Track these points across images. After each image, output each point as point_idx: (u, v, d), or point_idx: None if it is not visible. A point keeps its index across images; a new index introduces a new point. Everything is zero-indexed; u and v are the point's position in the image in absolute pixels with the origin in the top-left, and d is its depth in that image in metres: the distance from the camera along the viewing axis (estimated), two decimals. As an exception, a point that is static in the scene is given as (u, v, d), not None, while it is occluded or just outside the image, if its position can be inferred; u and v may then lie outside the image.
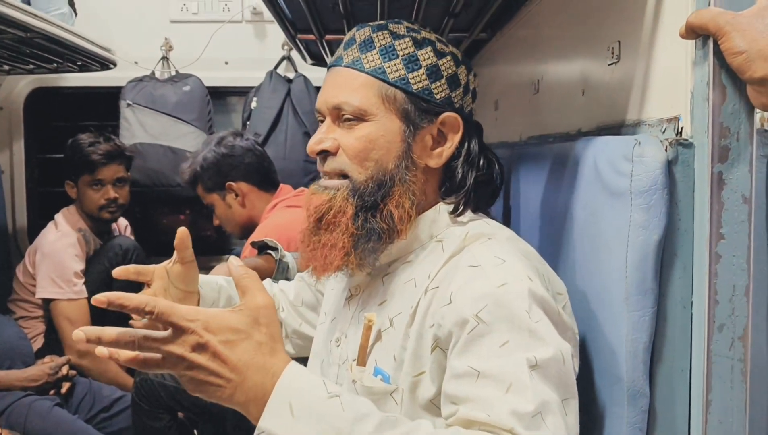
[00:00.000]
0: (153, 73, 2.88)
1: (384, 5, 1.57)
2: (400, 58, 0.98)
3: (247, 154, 2.28)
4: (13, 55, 2.31)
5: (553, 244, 1.21)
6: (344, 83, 0.99)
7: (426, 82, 0.98)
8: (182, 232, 1.13)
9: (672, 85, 0.91)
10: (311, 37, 1.93)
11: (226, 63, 2.96)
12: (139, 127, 2.78)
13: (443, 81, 1.00)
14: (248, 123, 2.85)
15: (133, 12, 2.90)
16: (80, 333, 0.74)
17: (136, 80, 2.83)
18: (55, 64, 2.50)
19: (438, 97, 0.99)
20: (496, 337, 0.82)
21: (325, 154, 1.01)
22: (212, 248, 3.14)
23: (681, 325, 0.86)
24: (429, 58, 0.99)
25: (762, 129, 0.82)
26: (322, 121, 1.04)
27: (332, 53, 2.23)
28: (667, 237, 0.86)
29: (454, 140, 1.01)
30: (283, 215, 2.18)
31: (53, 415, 2.20)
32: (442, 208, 1.02)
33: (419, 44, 0.99)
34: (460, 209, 1.01)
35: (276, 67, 2.92)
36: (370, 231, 0.97)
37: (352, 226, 0.97)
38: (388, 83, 0.98)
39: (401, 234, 0.98)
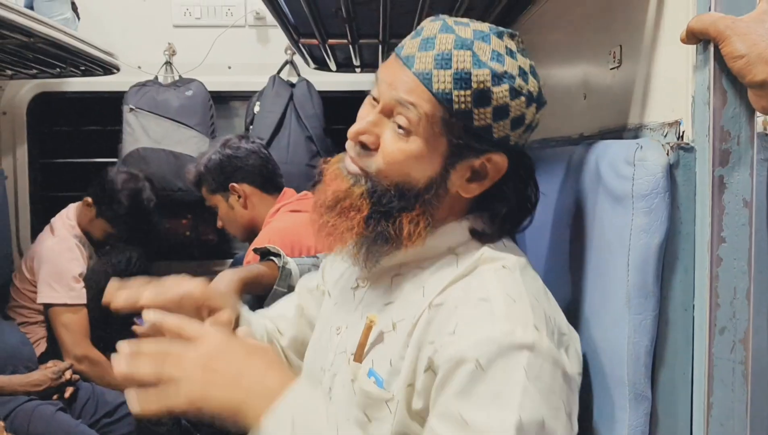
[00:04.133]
0: (156, 77, 2.89)
1: (386, 10, 1.57)
2: (473, 90, 0.88)
3: (251, 156, 2.28)
4: (17, 60, 2.32)
5: (554, 247, 1.22)
6: (413, 88, 0.91)
7: (489, 120, 0.90)
8: None
9: (673, 89, 0.91)
10: (314, 41, 1.94)
11: (229, 67, 2.96)
12: (141, 132, 2.78)
13: (507, 121, 0.91)
14: (251, 127, 2.86)
15: (137, 17, 2.91)
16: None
17: (139, 85, 2.84)
18: (58, 69, 2.51)
19: (496, 135, 0.91)
20: (491, 386, 0.82)
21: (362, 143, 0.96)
22: (214, 252, 3.15)
23: (682, 328, 0.86)
24: (502, 97, 0.89)
25: (763, 133, 0.82)
26: (375, 102, 0.97)
27: (335, 57, 2.24)
28: (668, 240, 0.86)
29: (494, 179, 0.95)
30: (286, 220, 2.18)
31: (56, 419, 2.21)
32: (465, 224, 0.98)
33: (498, 79, 0.89)
34: (485, 238, 0.97)
35: (279, 71, 2.93)
36: (378, 234, 0.95)
37: (362, 228, 0.95)
38: (451, 113, 0.89)
39: (406, 248, 0.96)
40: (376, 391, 0.94)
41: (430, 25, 0.93)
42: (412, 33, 0.95)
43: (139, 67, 2.90)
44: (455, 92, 0.88)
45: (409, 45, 0.93)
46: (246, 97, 2.98)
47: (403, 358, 0.92)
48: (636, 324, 0.88)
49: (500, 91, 0.89)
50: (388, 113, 0.94)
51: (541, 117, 0.97)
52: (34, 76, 2.64)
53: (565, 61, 1.43)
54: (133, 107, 2.79)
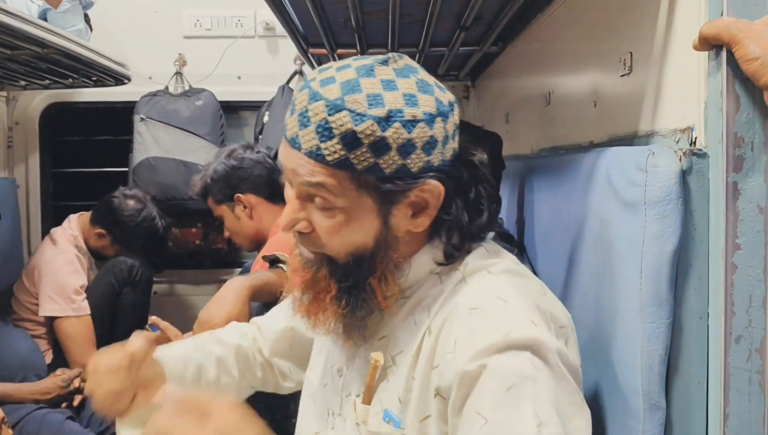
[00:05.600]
0: (167, 87, 2.91)
1: (395, 20, 1.58)
2: (366, 145, 0.84)
3: (256, 166, 2.28)
4: (30, 70, 2.34)
5: (566, 255, 1.21)
6: (312, 169, 0.88)
7: (399, 161, 0.86)
8: None
9: (685, 95, 0.91)
10: (323, 51, 1.95)
11: (239, 77, 2.98)
12: (152, 141, 2.80)
13: (418, 151, 0.86)
14: (260, 137, 2.87)
15: (148, 28, 2.94)
16: None
17: (150, 95, 2.87)
18: (70, 80, 2.53)
19: (415, 169, 0.87)
20: (502, 380, 0.80)
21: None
22: (224, 261, 3.16)
23: (697, 337, 0.85)
24: (399, 136, 0.84)
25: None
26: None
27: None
28: (682, 247, 0.86)
29: (437, 203, 0.91)
30: (294, 229, 2.17)
31: (65, 428, 2.21)
32: (429, 251, 0.96)
33: (385, 122, 0.84)
34: (449, 259, 0.95)
35: (288, 81, 2.94)
36: (354, 307, 0.95)
37: (335, 305, 0.95)
38: (359, 173, 0.86)
39: (387, 308, 0.96)
40: (386, 430, 0.93)
41: (299, 96, 0.89)
42: (290, 107, 0.92)
43: (150, 78, 2.92)
44: (351, 155, 0.84)
45: (290, 125, 0.89)
46: (256, 106, 3.00)
47: (411, 391, 0.92)
48: (649, 332, 0.87)
49: (394, 132, 0.84)
50: (305, 198, 0.91)
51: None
52: (46, 87, 2.66)
53: (575, 68, 1.42)
54: (144, 117, 2.81)
